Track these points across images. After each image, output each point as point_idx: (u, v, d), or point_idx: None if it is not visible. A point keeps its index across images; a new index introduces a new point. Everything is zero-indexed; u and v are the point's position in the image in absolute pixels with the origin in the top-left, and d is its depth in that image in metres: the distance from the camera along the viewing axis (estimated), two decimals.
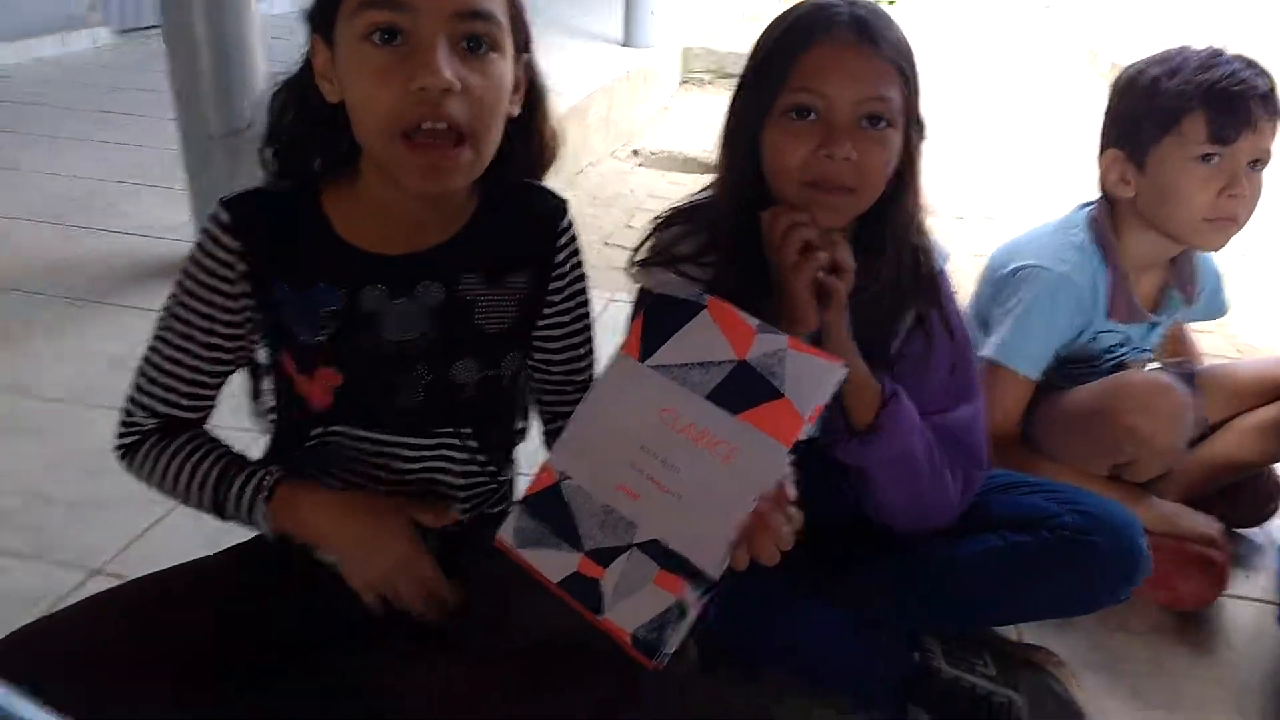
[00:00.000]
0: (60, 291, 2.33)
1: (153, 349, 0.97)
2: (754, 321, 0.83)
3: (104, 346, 2.06)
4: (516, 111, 0.93)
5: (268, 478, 0.94)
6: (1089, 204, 1.53)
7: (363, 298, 0.94)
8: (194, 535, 1.14)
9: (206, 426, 1.02)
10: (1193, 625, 1.44)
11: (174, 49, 2.25)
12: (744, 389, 0.80)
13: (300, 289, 0.94)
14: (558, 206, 1.02)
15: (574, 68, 4.72)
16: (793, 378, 0.80)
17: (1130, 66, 1.47)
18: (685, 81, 6.21)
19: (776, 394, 0.79)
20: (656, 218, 1.16)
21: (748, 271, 1.05)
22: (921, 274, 1.12)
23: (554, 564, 0.81)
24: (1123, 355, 1.55)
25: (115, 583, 0.93)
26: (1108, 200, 1.50)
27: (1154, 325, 1.55)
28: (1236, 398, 1.61)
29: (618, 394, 0.84)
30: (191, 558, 1.01)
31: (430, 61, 0.81)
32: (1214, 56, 1.39)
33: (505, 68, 0.89)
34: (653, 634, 0.76)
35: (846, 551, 1.24)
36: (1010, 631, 1.35)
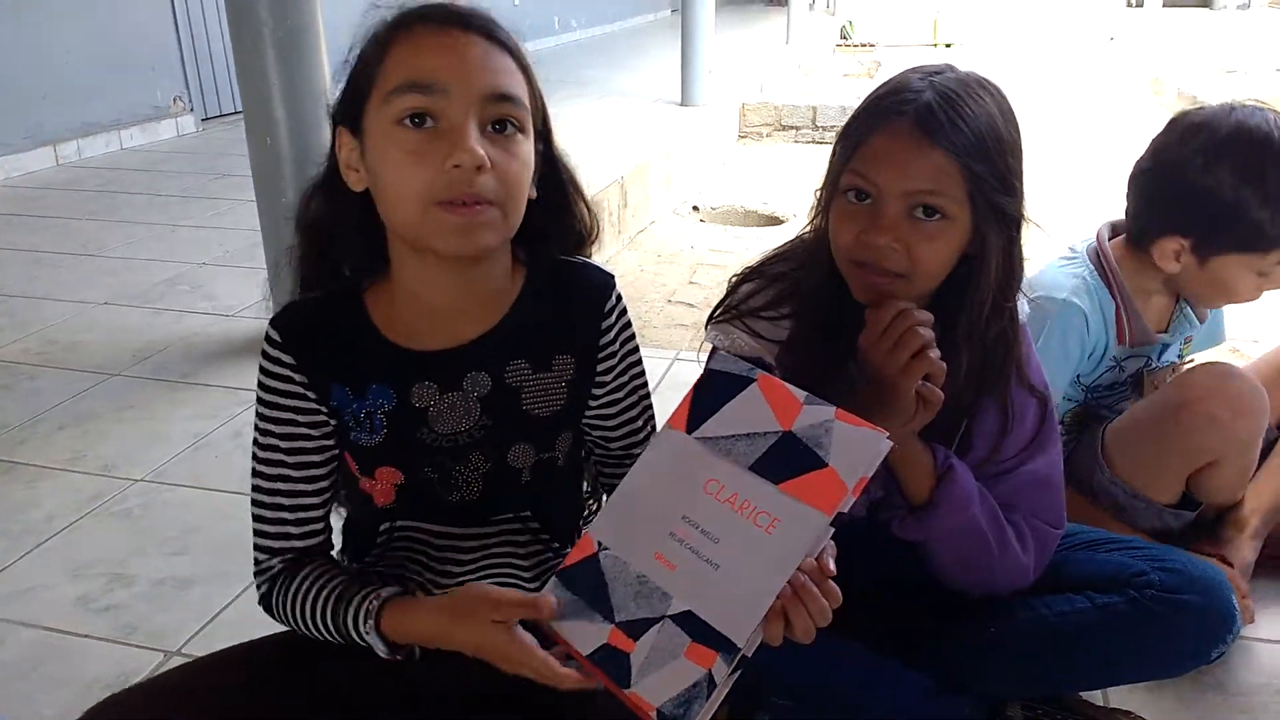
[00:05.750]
0: (147, 373, 2.43)
1: (254, 487, 0.98)
2: (802, 394, 0.83)
3: (189, 426, 2.14)
4: (535, 194, 0.94)
5: (373, 603, 0.91)
6: (1091, 239, 1.54)
7: (414, 396, 0.96)
8: None
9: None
10: None
11: (254, 133, 2.37)
12: (789, 459, 0.80)
13: (357, 393, 0.96)
14: (604, 284, 1.02)
15: (634, 130, 4.81)
16: (838, 448, 0.79)
17: (1202, 143, 1.37)
18: (743, 136, 6.27)
19: (821, 464, 0.79)
20: (732, 276, 1.17)
21: (824, 327, 1.06)
22: (998, 358, 1.08)
23: (585, 635, 0.80)
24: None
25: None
26: (1113, 229, 1.52)
27: (1166, 346, 1.54)
28: (1272, 393, 1.57)
29: (663, 465, 0.84)
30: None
31: (463, 141, 0.85)
32: None
33: (529, 148, 0.91)
34: (679, 709, 0.75)
35: (927, 614, 1.21)
36: (1095, 695, 1.30)
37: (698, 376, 0.88)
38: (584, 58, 7.88)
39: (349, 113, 0.91)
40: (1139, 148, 1.48)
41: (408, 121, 0.86)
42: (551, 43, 8.68)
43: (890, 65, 7.19)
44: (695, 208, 4.66)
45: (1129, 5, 11.27)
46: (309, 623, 0.95)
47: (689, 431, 0.85)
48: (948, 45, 9.55)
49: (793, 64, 7.84)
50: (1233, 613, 1.11)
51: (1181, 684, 1.32)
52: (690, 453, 0.83)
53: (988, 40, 9.68)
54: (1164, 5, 11.30)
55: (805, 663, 1.10)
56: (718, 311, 1.15)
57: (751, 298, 1.13)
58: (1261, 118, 1.36)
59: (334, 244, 0.98)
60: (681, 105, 5.64)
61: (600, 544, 0.83)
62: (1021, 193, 1.02)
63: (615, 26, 10.47)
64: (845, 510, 0.78)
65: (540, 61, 0.93)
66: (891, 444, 0.79)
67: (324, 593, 0.94)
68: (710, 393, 0.86)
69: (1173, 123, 1.44)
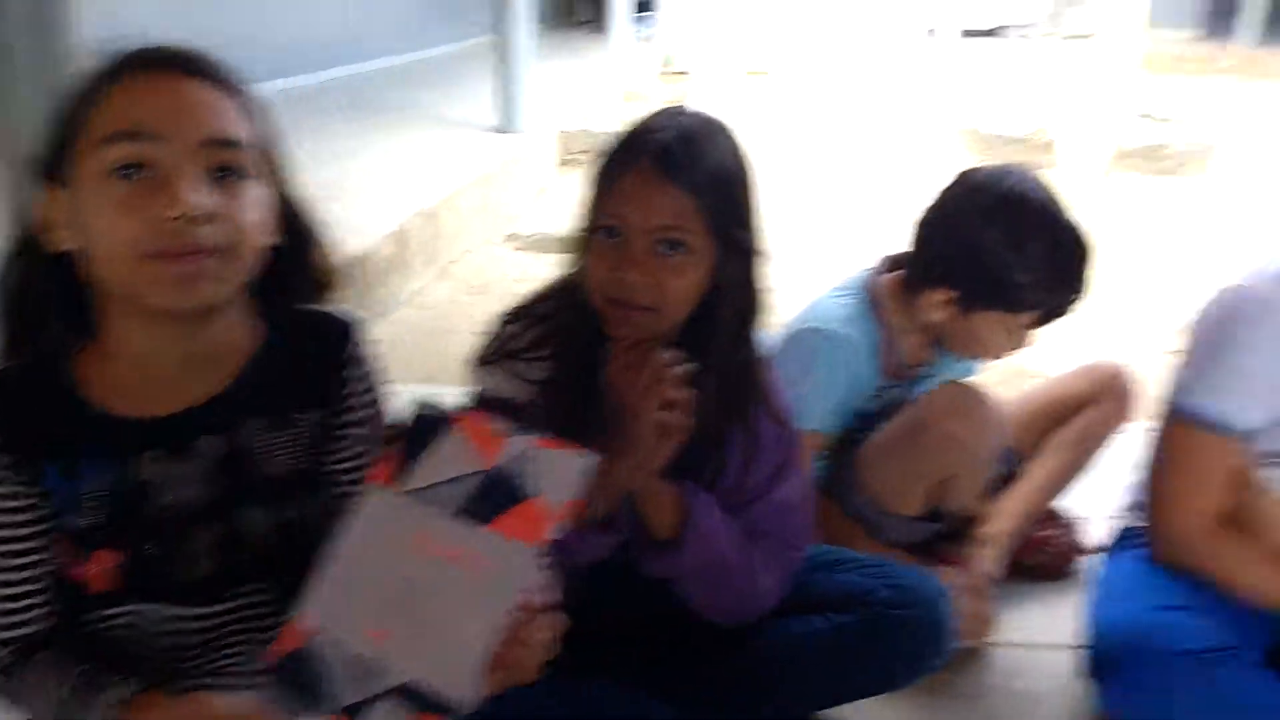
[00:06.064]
0: None
1: None
2: (505, 427, 0.81)
3: None
4: (276, 240, 0.92)
5: (112, 709, 0.86)
6: (868, 270, 1.62)
7: (136, 468, 0.90)
8: None
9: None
10: (1023, 677, 1.49)
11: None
12: (495, 497, 0.78)
13: (69, 472, 0.89)
14: (343, 331, 0.99)
15: (447, 157, 4.75)
16: (543, 476, 0.78)
17: (978, 204, 1.48)
18: (565, 162, 6.30)
19: (527, 495, 0.78)
20: (500, 315, 1.18)
21: (582, 366, 1.08)
22: (745, 385, 1.14)
23: None
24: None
25: None
26: (893, 263, 1.60)
27: (926, 379, 1.64)
28: (1029, 426, 1.76)
29: (368, 529, 0.79)
30: None
31: (179, 191, 0.81)
32: (1057, 252, 1.45)
33: (258, 193, 0.88)
34: None
35: (675, 647, 1.24)
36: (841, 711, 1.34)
37: (400, 428, 0.84)
38: (399, 83, 7.72)
39: (54, 163, 0.86)
40: (922, 180, 1.57)
41: (120, 172, 0.81)
42: (364, 68, 8.45)
43: (701, 94, 7.42)
44: (511, 236, 4.65)
45: (930, 33, 11.98)
46: (51, 715, 0.88)
47: (396, 485, 0.80)
48: (761, 74, 9.91)
49: (616, 91, 7.96)
50: (945, 623, 1.19)
51: (919, 692, 1.38)
52: (395, 509, 0.79)
53: (798, 69, 10.12)
54: (962, 35, 12.04)
55: (549, 706, 1.10)
56: (485, 352, 1.15)
57: (515, 338, 1.14)
58: (1030, 185, 1.48)
59: (34, 308, 0.90)
60: (500, 132, 5.62)
61: (308, 630, 0.77)
62: (756, 227, 1.09)
63: (434, 51, 10.30)
64: (557, 537, 0.77)
65: (352, 88, 0.90)
66: (593, 460, 0.79)
67: (63, 685, 0.88)
68: (413, 441, 0.82)
69: (961, 178, 1.55)
